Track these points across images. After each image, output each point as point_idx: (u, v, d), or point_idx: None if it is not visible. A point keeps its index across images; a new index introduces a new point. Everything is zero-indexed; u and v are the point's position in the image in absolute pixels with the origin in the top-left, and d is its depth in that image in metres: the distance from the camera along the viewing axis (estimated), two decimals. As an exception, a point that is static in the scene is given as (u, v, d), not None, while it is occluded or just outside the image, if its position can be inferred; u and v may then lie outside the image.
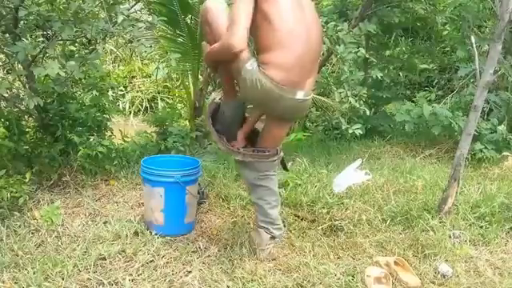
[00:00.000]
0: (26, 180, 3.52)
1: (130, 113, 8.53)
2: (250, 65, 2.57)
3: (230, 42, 2.53)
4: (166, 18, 4.86)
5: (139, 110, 8.64)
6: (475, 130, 3.66)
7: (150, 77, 8.78)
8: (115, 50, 8.59)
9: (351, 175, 3.90)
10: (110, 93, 5.88)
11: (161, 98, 8.69)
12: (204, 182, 3.89)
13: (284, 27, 2.56)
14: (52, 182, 3.98)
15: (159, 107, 8.45)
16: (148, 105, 8.69)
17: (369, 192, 3.85)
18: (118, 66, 9.08)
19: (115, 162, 4.20)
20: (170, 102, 8.38)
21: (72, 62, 3.42)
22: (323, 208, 3.57)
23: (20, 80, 3.91)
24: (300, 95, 2.66)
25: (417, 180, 4.10)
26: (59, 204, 3.59)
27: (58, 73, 3.23)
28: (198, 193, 3.49)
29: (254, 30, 2.61)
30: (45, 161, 4.01)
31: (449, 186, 3.48)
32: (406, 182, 4.09)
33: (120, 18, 3.46)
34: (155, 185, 3.21)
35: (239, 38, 2.51)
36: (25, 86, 3.91)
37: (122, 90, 8.70)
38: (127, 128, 6.66)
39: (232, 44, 2.52)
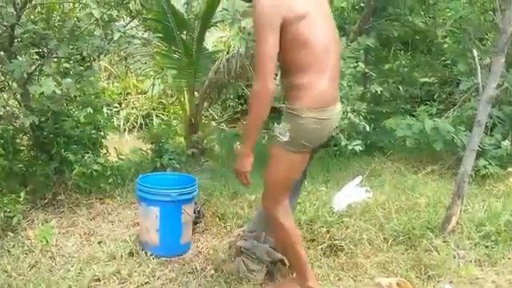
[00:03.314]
0: (20, 199, 3.45)
1: (125, 130, 8.46)
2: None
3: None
4: (161, 35, 4.81)
5: (134, 127, 8.58)
6: (479, 146, 3.57)
7: (144, 93, 8.73)
8: (109, 67, 8.54)
9: (351, 193, 3.83)
10: (105, 110, 5.83)
11: (156, 115, 8.63)
12: (200, 201, 3.80)
13: (319, 44, 2.41)
14: (46, 200, 3.90)
15: (154, 124, 8.38)
16: (143, 121, 8.63)
17: (370, 210, 3.75)
18: (113, 82, 9.02)
19: (110, 180, 4.13)
20: (165, 118, 8.32)
21: (68, 80, 3.38)
22: (322, 227, 3.47)
23: (15, 98, 3.85)
24: (338, 106, 2.59)
25: (419, 197, 4.00)
26: (54, 223, 3.52)
27: (53, 90, 3.20)
28: (194, 212, 3.40)
29: (281, 52, 2.39)
30: (39, 179, 3.94)
31: (452, 203, 3.39)
32: (407, 199, 3.99)
33: (116, 35, 3.42)
34: (150, 204, 3.13)
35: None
36: (20, 104, 3.85)
37: (116, 107, 8.63)
38: (122, 145, 6.57)
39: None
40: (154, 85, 6.86)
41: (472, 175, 4.43)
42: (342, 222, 3.56)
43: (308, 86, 2.39)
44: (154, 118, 8.68)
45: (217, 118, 8.31)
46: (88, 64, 4.12)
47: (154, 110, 8.75)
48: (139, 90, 9.04)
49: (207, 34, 6.44)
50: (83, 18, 3.35)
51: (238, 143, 2.53)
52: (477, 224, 3.55)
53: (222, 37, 8.36)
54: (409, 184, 4.45)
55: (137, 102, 8.94)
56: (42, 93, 3.29)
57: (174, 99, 7.50)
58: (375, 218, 3.66)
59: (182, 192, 3.13)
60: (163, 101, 8.57)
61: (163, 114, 8.57)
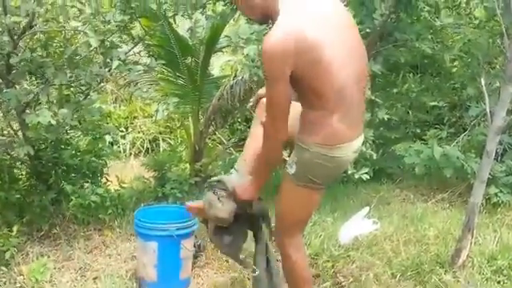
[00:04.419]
0: (13, 233, 3.35)
1: (131, 154, 8.36)
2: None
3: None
4: (163, 61, 4.75)
5: (140, 151, 8.47)
6: (489, 173, 3.43)
7: (151, 117, 8.61)
8: (115, 91, 8.46)
9: (358, 225, 3.66)
10: (109, 137, 5.70)
11: (162, 139, 8.50)
12: (201, 233, 3.67)
13: (335, 85, 2.15)
14: (43, 232, 3.81)
15: (161, 148, 8.28)
16: (149, 146, 8.51)
17: (377, 243, 3.61)
18: (120, 106, 8.93)
19: (109, 211, 4.02)
20: (172, 142, 8.21)
21: (64, 110, 3.30)
22: (328, 261, 3.35)
23: (11, 127, 3.78)
24: (357, 144, 2.35)
25: (428, 228, 3.85)
26: (46, 260, 3.39)
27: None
28: (194, 246, 3.28)
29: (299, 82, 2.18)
30: (36, 210, 3.85)
31: (462, 237, 3.24)
32: (416, 230, 3.85)
33: (115, 64, 3.33)
34: (148, 239, 3.01)
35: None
36: (16, 133, 3.78)
37: (122, 131, 8.57)
38: (127, 170, 6.49)
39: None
40: (157, 110, 6.77)
41: (483, 203, 4.28)
42: (348, 255, 3.43)
43: (320, 122, 2.21)
44: (161, 142, 8.57)
45: (225, 141, 8.19)
46: (89, 91, 4.07)
47: (160, 133, 8.64)
48: (146, 114, 8.93)
49: (214, 57, 6.37)
50: (82, 46, 3.26)
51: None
52: (488, 257, 3.40)
53: (229, 60, 8.28)
54: (418, 213, 4.31)
55: (143, 126, 8.83)
56: (39, 122, 3.20)
57: (179, 124, 7.35)
58: (382, 251, 3.52)
59: (181, 226, 3.00)
60: (169, 125, 8.46)
61: (170, 139, 8.44)
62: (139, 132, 8.79)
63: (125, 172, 5.68)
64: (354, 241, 3.57)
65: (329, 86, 2.13)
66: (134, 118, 8.97)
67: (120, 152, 8.15)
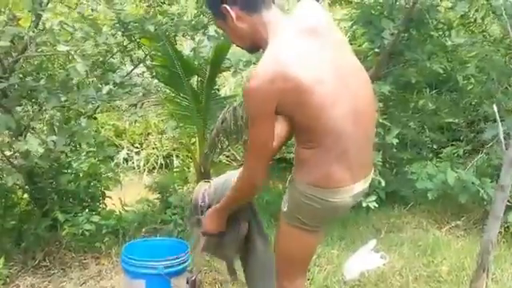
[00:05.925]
0: (0, 266, 3.22)
1: (145, 170, 8.30)
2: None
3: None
4: (166, 82, 4.62)
5: (154, 168, 8.40)
6: (508, 200, 3.19)
7: (165, 133, 8.54)
8: (129, 107, 8.41)
9: (364, 259, 3.50)
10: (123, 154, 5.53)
11: (176, 155, 8.41)
12: (197, 268, 3.48)
13: (330, 127, 1.95)
14: (37, 261, 3.67)
15: (174, 164, 8.18)
16: (163, 162, 8.44)
17: (385, 279, 3.38)
18: (134, 122, 8.88)
19: (106, 239, 3.88)
20: (184, 160, 8.10)
21: (54, 137, 3.17)
22: (332, 300, 3.15)
23: (3, 153, 3.67)
24: (359, 187, 2.09)
25: (441, 262, 3.62)
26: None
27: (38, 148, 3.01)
28: (187, 282, 3.09)
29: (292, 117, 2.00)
30: (30, 238, 3.72)
31: (476, 277, 3.00)
32: (428, 265, 3.62)
33: (105, 89, 3.20)
34: (135, 276, 2.83)
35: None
36: (9, 160, 3.66)
37: (137, 148, 8.54)
38: (140, 187, 6.39)
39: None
40: (164, 132, 6.67)
41: (501, 232, 4.04)
42: (354, 293, 3.23)
43: (313, 161, 2.00)
44: (174, 158, 8.48)
45: (238, 158, 8.04)
46: (87, 114, 3.95)
47: (174, 150, 8.55)
48: (160, 130, 8.87)
49: (227, 75, 6.23)
50: (73, 73, 3.11)
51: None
52: (506, 297, 3.17)
53: (243, 76, 8.13)
54: (430, 243, 4.05)
55: (157, 143, 8.77)
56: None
57: (185, 144, 7.27)
58: (391, 288, 3.31)
59: (170, 264, 2.82)
60: (183, 141, 8.38)
61: (184, 156, 8.34)
62: (153, 148, 8.74)
63: (137, 189, 5.59)
64: (361, 276, 3.37)
65: (321, 124, 1.93)
66: (149, 134, 8.96)
67: (134, 168, 8.19)
